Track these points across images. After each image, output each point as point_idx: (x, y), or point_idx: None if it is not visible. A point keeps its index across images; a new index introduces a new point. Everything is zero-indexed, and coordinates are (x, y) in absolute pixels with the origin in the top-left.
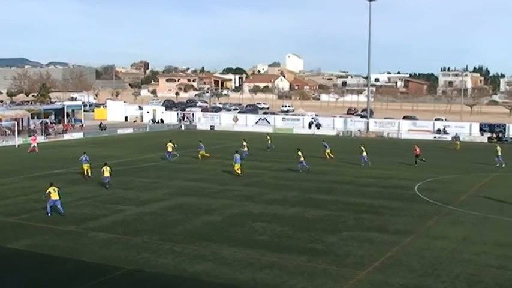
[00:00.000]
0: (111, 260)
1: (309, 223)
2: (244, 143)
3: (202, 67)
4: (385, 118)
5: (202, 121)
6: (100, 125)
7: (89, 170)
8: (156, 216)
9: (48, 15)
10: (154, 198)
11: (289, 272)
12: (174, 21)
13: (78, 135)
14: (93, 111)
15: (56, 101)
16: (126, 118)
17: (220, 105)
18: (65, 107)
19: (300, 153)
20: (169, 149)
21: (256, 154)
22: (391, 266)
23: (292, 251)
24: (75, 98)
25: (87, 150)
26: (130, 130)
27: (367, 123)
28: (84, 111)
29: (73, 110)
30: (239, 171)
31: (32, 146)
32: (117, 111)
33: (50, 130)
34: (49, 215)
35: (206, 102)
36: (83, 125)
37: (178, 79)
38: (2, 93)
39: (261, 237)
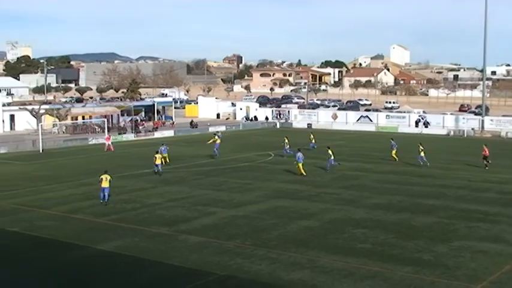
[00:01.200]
0: (203, 264)
1: (415, 231)
2: (286, 140)
3: (299, 60)
4: (503, 116)
5: (299, 118)
6: (191, 122)
7: (166, 159)
8: (249, 219)
9: (138, 8)
10: (248, 201)
11: (393, 283)
12: (268, 12)
13: (169, 133)
14: (184, 108)
15: (146, 97)
16: (218, 115)
17: (318, 102)
18: (155, 104)
19: (330, 151)
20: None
21: (356, 155)
22: (509, 280)
23: (396, 261)
24: (166, 94)
25: (178, 149)
26: (223, 128)
27: (482, 121)
28: (175, 108)
29: (163, 107)
30: (303, 171)
31: (107, 144)
32: (208, 108)
33: (140, 128)
34: (101, 201)
35: (303, 98)
36: (173, 123)
37: (273, 73)
38: (91, 89)
39: (363, 245)
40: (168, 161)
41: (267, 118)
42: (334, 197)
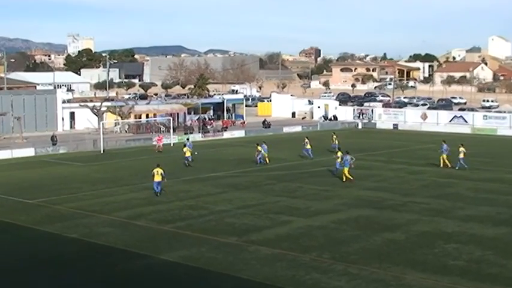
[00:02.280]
0: (275, 279)
1: None
2: (307, 140)
3: (384, 54)
4: None
5: (383, 118)
6: (264, 122)
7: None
8: (327, 230)
9: None
10: (326, 209)
11: None
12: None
13: (240, 133)
14: (256, 106)
15: (214, 94)
16: (293, 114)
17: (406, 100)
18: (225, 101)
19: (339, 154)
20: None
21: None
22: None
23: (495, 280)
24: (236, 91)
25: (249, 151)
26: (299, 128)
27: None
28: (246, 106)
29: (234, 105)
30: (350, 176)
31: (157, 145)
32: (283, 106)
33: (209, 127)
34: (156, 193)
35: (388, 96)
36: (244, 122)
37: (355, 68)
38: (156, 85)
39: (455, 262)
40: (190, 158)
41: (333, 118)
42: (423, 207)
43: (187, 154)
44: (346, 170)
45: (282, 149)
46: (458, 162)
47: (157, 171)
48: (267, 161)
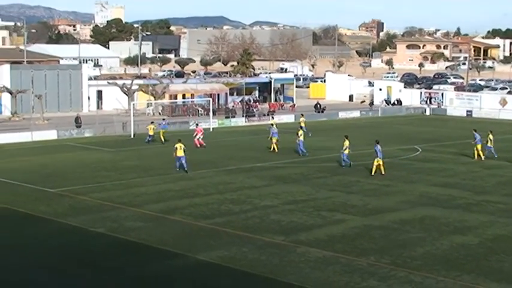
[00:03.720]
0: (327, 285)
1: None
2: (301, 129)
3: (458, 29)
4: None
5: (456, 104)
6: (316, 105)
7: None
8: (387, 231)
9: None
10: (386, 207)
11: None
12: None
13: (289, 118)
14: (308, 87)
15: (260, 73)
16: (350, 97)
17: (482, 83)
18: (273, 81)
19: (346, 142)
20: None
21: None
22: None
23: None
24: (286, 70)
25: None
26: (357, 113)
27: None
28: (297, 86)
29: (282, 85)
30: (382, 169)
31: (196, 138)
32: (339, 88)
33: (254, 110)
34: (177, 169)
35: (461, 78)
36: (294, 105)
37: (423, 45)
38: (194, 61)
39: None
40: (163, 140)
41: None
42: (499, 207)
43: (151, 133)
44: (378, 161)
45: (337, 137)
46: (488, 151)
47: (180, 146)
48: (276, 148)
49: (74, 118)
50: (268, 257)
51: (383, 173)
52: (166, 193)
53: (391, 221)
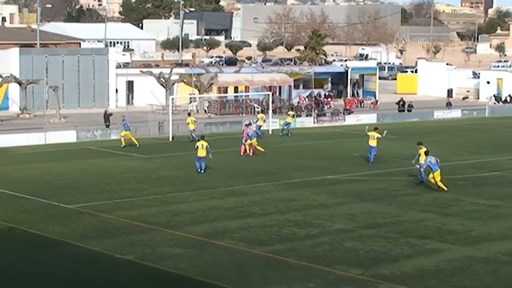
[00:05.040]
0: None
1: None
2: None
3: None
4: None
5: None
6: (400, 102)
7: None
8: (496, 265)
9: None
10: (495, 235)
11: None
12: None
13: (370, 118)
14: (394, 79)
15: (334, 60)
16: (449, 92)
17: None
18: (349, 71)
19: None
20: None
21: None
22: None
23: None
24: (367, 56)
25: (382, 145)
26: (457, 113)
27: None
28: (380, 78)
29: (362, 76)
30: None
31: (244, 141)
32: (434, 80)
33: (325, 108)
34: (198, 170)
35: None
36: (377, 102)
37: None
38: (250, 45)
39: None
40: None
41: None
42: None
43: (191, 126)
44: (435, 174)
45: (431, 143)
46: None
47: (202, 145)
48: (248, 150)
49: (96, 116)
50: None
51: (445, 188)
52: (212, 212)
53: (500, 253)
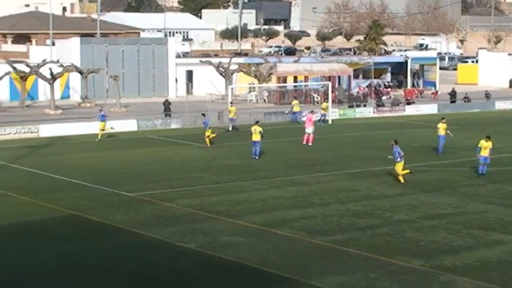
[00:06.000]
0: None
1: None
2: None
3: None
4: None
5: None
6: (451, 93)
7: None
8: None
9: None
10: None
11: None
12: None
13: (430, 108)
14: (455, 69)
15: (394, 50)
16: (511, 82)
17: None
18: (409, 61)
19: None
20: None
21: None
22: None
23: None
24: (426, 46)
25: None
26: None
27: None
28: (441, 68)
29: (422, 66)
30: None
31: (307, 133)
32: (496, 71)
33: (384, 98)
34: (254, 156)
35: None
36: (437, 92)
37: None
38: (309, 35)
39: None
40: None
41: None
42: None
43: (231, 115)
44: (398, 166)
45: (496, 134)
46: None
47: (255, 129)
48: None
49: (156, 105)
50: (402, 286)
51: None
52: (272, 201)
53: None
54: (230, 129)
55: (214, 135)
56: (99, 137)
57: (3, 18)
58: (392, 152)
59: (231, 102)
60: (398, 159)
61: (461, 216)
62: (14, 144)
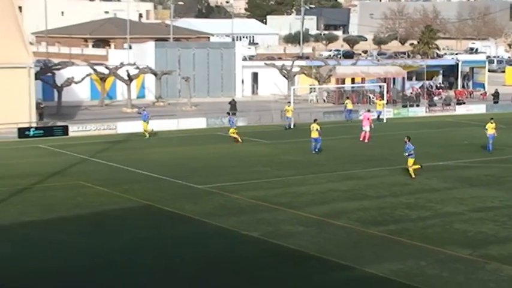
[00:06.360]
0: None
1: None
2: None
3: None
4: None
5: None
6: (494, 95)
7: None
8: None
9: None
10: None
11: None
12: None
13: (479, 108)
14: (503, 72)
15: (445, 54)
16: None
17: None
18: (460, 64)
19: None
20: None
21: None
22: None
23: None
24: (476, 50)
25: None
26: None
27: None
28: (489, 70)
29: (472, 69)
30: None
31: (364, 131)
32: None
33: (436, 98)
34: (313, 152)
35: None
36: (486, 93)
37: None
38: (366, 39)
39: None
40: (146, 132)
41: None
42: None
43: (289, 114)
44: (410, 161)
45: None
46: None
47: (313, 127)
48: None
49: (224, 104)
50: (451, 273)
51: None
52: (330, 194)
53: None
54: (287, 127)
55: (235, 135)
56: (146, 135)
57: (85, 24)
58: (405, 148)
59: (289, 102)
60: (409, 154)
61: (508, 209)
62: (94, 140)
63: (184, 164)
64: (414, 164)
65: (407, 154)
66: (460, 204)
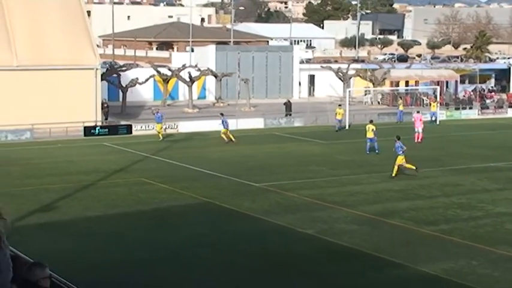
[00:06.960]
0: None
1: None
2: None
3: None
4: None
5: None
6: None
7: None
8: None
9: None
10: None
11: None
12: None
13: None
14: None
15: (497, 58)
16: None
17: None
18: None
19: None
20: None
21: None
22: None
23: None
24: None
25: None
26: None
27: None
28: None
29: None
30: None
31: (417, 132)
32: None
33: (488, 101)
34: (367, 153)
35: None
36: None
37: None
38: (420, 43)
39: None
40: (231, 138)
41: None
42: None
43: (339, 117)
44: (400, 158)
45: None
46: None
47: (369, 128)
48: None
49: (282, 105)
50: (502, 273)
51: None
52: (384, 193)
53: None
54: (337, 129)
55: (224, 135)
56: (160, 138)
57: (149, 28)
58: (395, 147)
59: (339, 105)
60: (400, 152)
61: None
62: (156, 139)
63: (243, 162)
64: (408, 163)
65: (398, 152)
66: (511, 205)
